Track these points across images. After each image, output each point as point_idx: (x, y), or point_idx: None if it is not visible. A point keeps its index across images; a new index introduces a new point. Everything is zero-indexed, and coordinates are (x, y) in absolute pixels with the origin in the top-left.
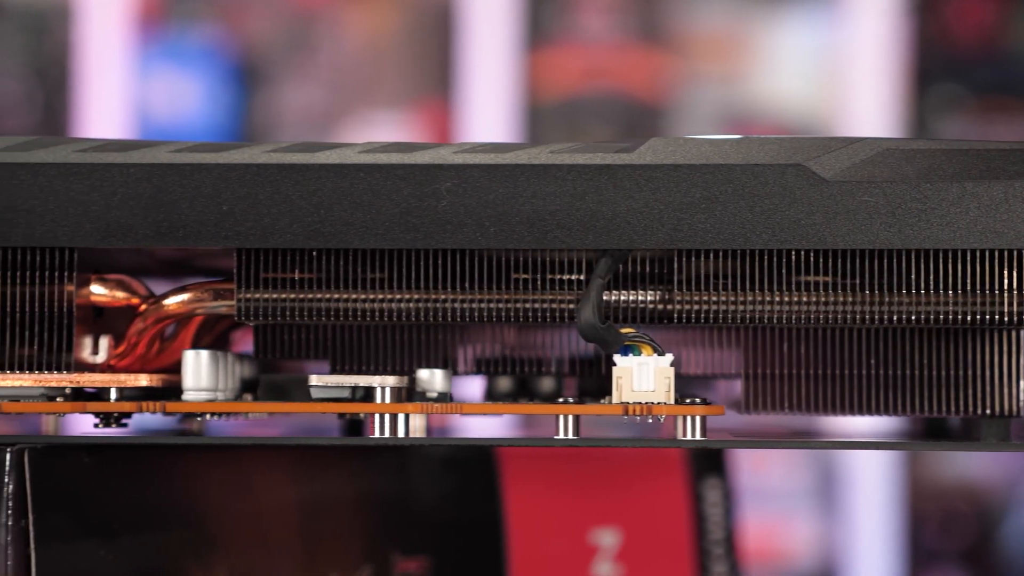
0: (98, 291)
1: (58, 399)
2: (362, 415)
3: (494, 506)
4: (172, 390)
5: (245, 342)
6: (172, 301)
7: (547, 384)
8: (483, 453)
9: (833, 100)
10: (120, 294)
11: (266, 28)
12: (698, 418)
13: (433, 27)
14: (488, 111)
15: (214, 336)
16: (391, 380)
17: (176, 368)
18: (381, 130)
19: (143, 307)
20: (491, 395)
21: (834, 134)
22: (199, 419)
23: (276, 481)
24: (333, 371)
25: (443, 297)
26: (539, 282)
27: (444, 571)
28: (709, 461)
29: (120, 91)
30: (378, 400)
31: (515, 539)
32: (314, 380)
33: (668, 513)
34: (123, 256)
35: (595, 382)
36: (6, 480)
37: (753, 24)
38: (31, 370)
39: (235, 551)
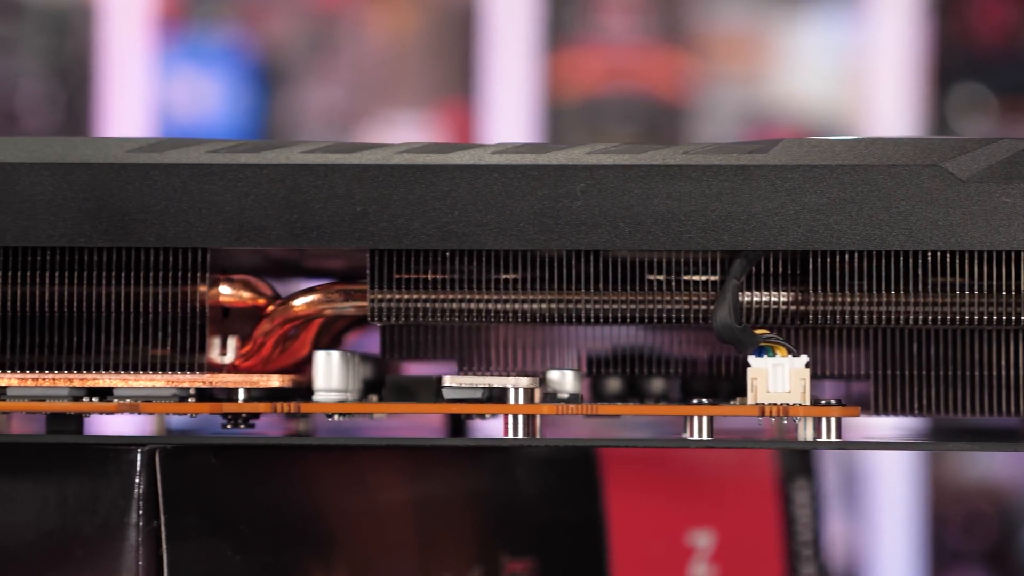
0: (225, 292)
1: (189, 399)
2: (488, 416)
3: (596, 507)
4: (297, 391)
5: (347, 343)
6: (300, 302)
7: (657, 385)
8: (584, 454)
9: (854, 100)
10: (246, 294)
11: (287, 28)
12: (833, 420)
13: (454, 27)
14: (510, 112)
15: (331, 336)
16: (524, 381)
17: (294, 369)
18: (402, 131)
19: (270, 308)
20: (599, 396)
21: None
22: (305, 419)
23: (391, 481)
24: (459, 372)
25: (577, 298)
26: (673, 283)
27: (549, 572)
28: (797, 463)
29: (142, 91)
30: (511, 401)
31: (616, 540)
32: (447, 381)
33: (759, 515)
34: (241, 256)
35: (704, 383)
36: (137, 481)
37: (774, 24)
38: (163, 371)
39: (354, 551)
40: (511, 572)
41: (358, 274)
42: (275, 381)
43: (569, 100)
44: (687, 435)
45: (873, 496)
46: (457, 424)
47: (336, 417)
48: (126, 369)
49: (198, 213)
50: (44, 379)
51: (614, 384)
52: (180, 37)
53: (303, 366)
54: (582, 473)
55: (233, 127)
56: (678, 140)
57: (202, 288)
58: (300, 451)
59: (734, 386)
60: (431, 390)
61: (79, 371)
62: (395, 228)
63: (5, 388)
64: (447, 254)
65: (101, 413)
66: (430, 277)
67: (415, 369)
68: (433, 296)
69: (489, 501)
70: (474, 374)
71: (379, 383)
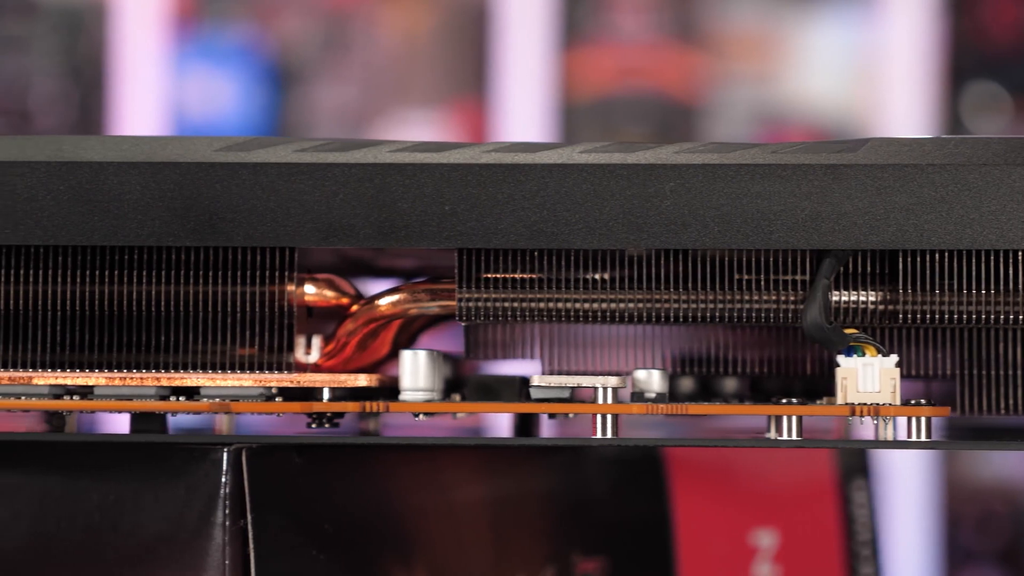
0: (309, 291)
1: (277, 399)
2: (571, 415)
3: (663, 506)
4: (380, 390)
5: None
6: (385, 302)
7: (729, 384)
8: (650, 453)
9: (867, 99)
10: (330, 293)
11: (301, 27)
12: (923, 419)
13: (468, 26)
14: (523, 110)
15: (408, 336)
16: (613, 381)
17: (370, 368)
18: (415, 130)
19: (354, 308)
20: (672, 396)
21: (869, 133)
22: (375, 418)
23: (467, 480)
24: (544, 372)
25: (667, 298)
26: (762, 282)
27: (619, 572)
28: (855, 462)
29: (155, 90)
30: (599, 400)
31: (682, 540)
32: (536, 380)
33: (819, 515)
34: (316, 254)
35: (775, 383)
36: (223, 480)
37: (787, 23)
38: (249, 370)
39: (432, 550)
40: (583, 571)
41: (426, 273)
42: (362, 380)
43: (582, 99)
44: (771, 435)
45: (887, 495)
46: (525, 424)
47: (420, 417)
48: (212, 369)
49: (286, 212)
50: (131, 378)
51: (687, 384)
52: (193, 36)
53: (379, 365)
54: (649, 472)
55: (246, 126)
56: (691, 139)
57: (290, 287)
58: (380, 450)
59: (804, 385)
60: (514, 389)
61: (165, 370)
62: (483, 228)
63: (92, 387)
64: (535, 253)
65: (188, 412)
66: (518, 276)
67: (485, 368)
68: (521, 295)
69: (560, 500)
70: (560, 373)
71: (456, 382)
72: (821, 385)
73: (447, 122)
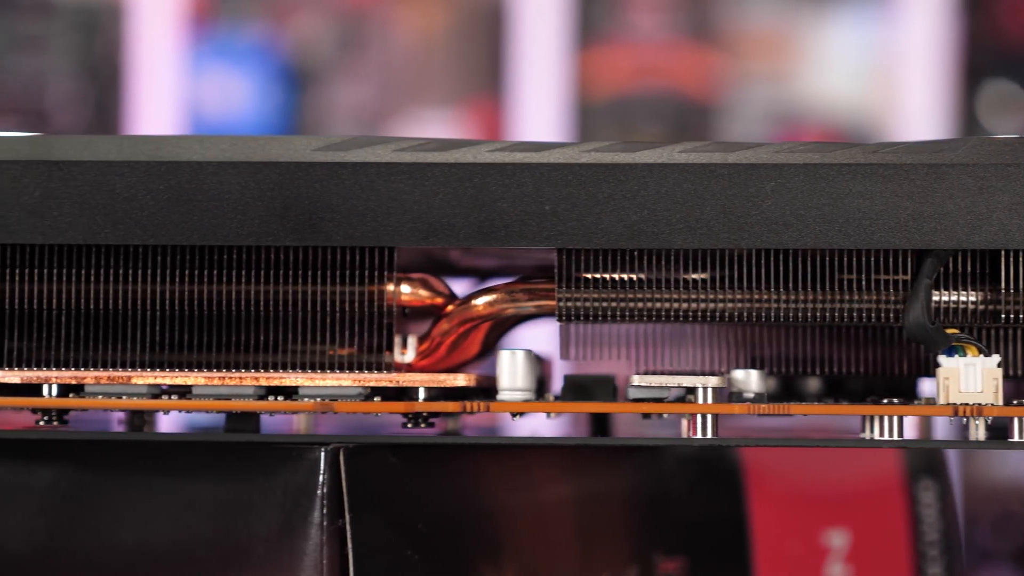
0: (404, 290)
1: (376, 399)
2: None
3: (739, 506)
4: (474, 390)
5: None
6: (481, 302)
7: (812, 384)
8: (727, 453)
9: (884, 98)
10: (424, 293)
11: (316, 26)
12: None
13: (483, 25)
14: (538, 109)
15: (497, 336)
16: (713, 380)
17: (458, 368)
18: (431, 129)
19: (449, 308)
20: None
21: (885, 132)
22: (455, 418)
23: (554, 479)
24: (638, 372)
25: (767, 298)
26: (863, 282)
27: (698, 572)
28: (922, 462)
29: (171, 89)
30: (700, 400)
31: (758, 540)
32: (636, 380)
33: (888, 514)
34: (402, 253)
35: (856, 383)
36: (321, 480)
37: (803, 22)
38: (348, 370)
39: (521, 549)
40: (664, 571)
41: (505, 273)
42: (461, 380)
43: (598, 98)
44: (865, 435)
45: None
46: (602, 423)
47: (517, 417)
48: (310, 368)
49: (385, 212)
50: (230, 378)
51: (769, 384)
52: (209, 35)
53: (465, 365)
54: (726, 472)
55: (262, 125)
56: (706, 138)
57: (389, 287)
58: (470, 450)
59: (888, 385)
60: (608, 389)
61: (263, 370)
62: (584, 227)
63: (191, 387)
64: (635, 253)
65: (286, 412)
66: (618, 276)
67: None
68: (621, 295)
69: (641, 500)
70: (657, 373)
71: (541, 382)
72: (904, 385)
73: (463, 121)
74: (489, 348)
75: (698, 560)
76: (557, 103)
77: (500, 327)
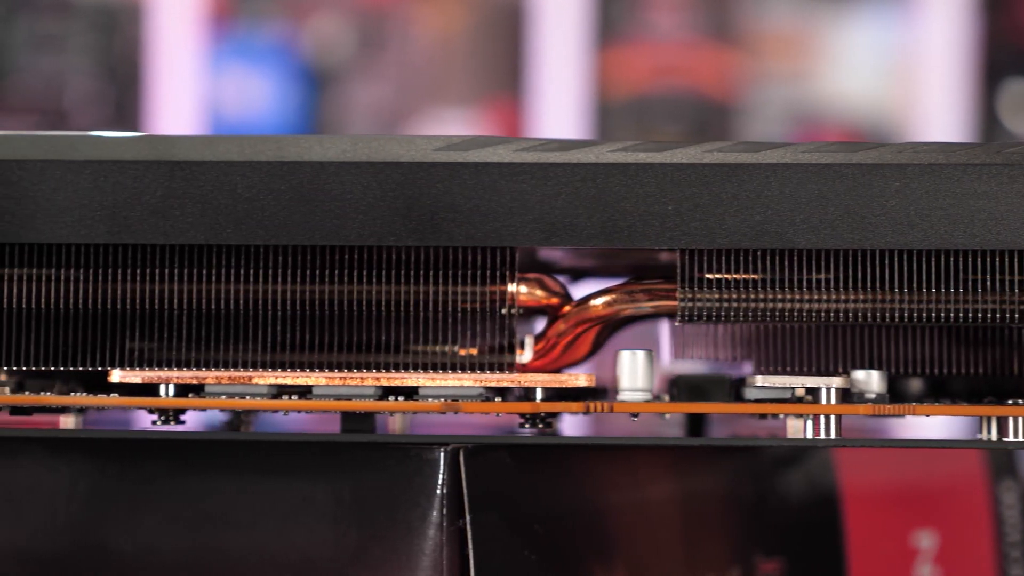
0: (521, 290)
1: (496, 399)
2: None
3: (834, 507)
4: (590, 391)
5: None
6: (599, 302)
7: (915, 385)
8: (822, 454)
9: (903, 98)
10: (540, 293)
11: (336, 26)
12: None
13: (503, 25)
14: (558, 109)
15: (605, 337)
16: (836, 381)
17: (565, 369)
18: (451, 128)
19: (565, 308)
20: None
21: (904, 132)
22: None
23: (660, 479)
24: (756, 372)
25: (890, 298)
26: (987, 282)
27: (796, 573)
28: (1004, 463)
29: (190, 88)
30: (823, 401)
31: (852, 541)
32: (759, 380)
33: (973, 515)
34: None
35: (961, 384)
36: (440, 480)
37: (822, 22)
38: (469, 370)
39: (630, 550)
40: (764, 572)
41: (604, 273)
42: (582, 381)
43: (617, 97)
44: (982, 436)
45: None
46: (697, 424)
47: (636, 417)
48: (431, 369)
49: (507, 212)
50: (351, 378)
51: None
52: (228, 35)
53: (574, 366)
54: (820, 472)
55: (282, 124)
56: (726, 138)
57: (510, 287)
58: (582, 450)
59: (992, 385)
60: (723, 389)
61: (384, 370)
62: (707, 228)
63: (311, 387)
64: (758, 253)
65: (406, 412)
66: (740, 277)
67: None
68: (743, 296)
69: (743, 500)
70: (776, 373)
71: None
72: (1009, 385)
73: (482, 121)
74: (597, 349)
75: (795, 561)
76: (577, 103)
77: (609, 328)
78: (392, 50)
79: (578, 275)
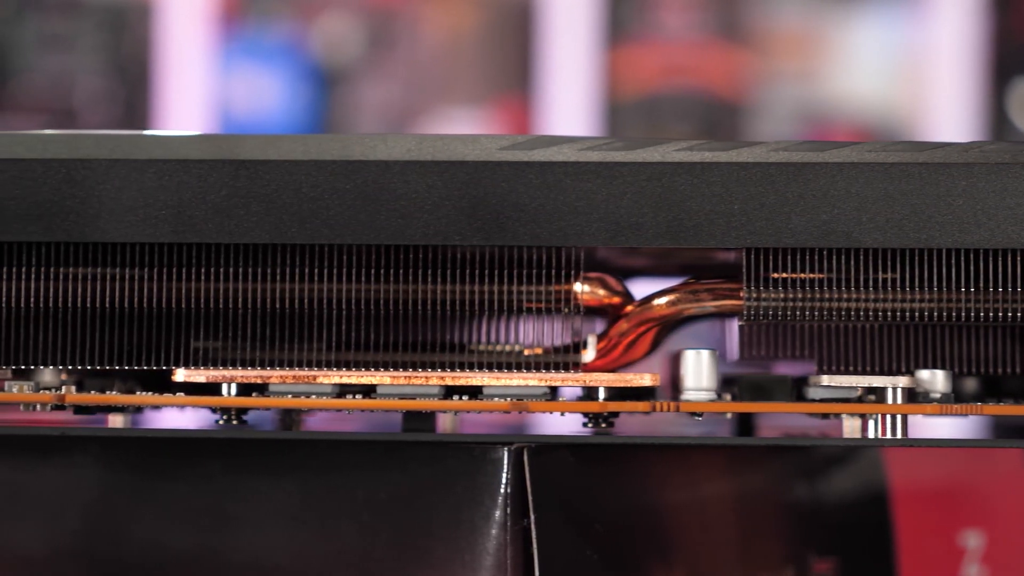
0: (582, 290)
1: (560, 398)
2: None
3: (884, 507)
4: (649, 390)
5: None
6: (661, 302)
7: (969, 385)
8: (872, 454)
9: (912, 97)
10: (601, 292)
11: (345, 25)
12: None
13: (512, 24)
14: (567, 108)
15: (664, 336)
16: (903, 380)
17: (623, 368)
18: (460, 127)
19: (627, 308)
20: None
21: (914, 132)
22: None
23: (716, 478)
24: (819, 372)
25: (955, 297)
26: None
27: (848, 573)
28: None
29: (200, 88)
30: (889, 401)
31: (902, 540)
32: (824, 380)
33: (1019, 515)
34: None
35: (1016, 383)
36: (504, 479)
37: (832, 22)
38: (534, 369)
39: (688, 549)
40: (817, 572)
41: (658, 272)
42: (647, 380)
43: (627, 97)
44: None
45: None
46: (745, 423)
47: (699, 417)
48: (494, 368)
49: (572, 211)
50: (415, 377)
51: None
52: (238, 34)
53: (632, 365)
54: (870, 472)
55: (291, 123)
56: (736, 137)
57: (576, 287)
58: (641, 449)
59: None
60: (786, 389)
61: (449, 370)
62: (773, 227)
63: (375, 386)
64: (823, 252)
65: (470, 412)
66: (806, 276)
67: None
68: (808, 295)
69: (797, 500)
70: (840, 373)
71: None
72: None
73: (491, 120)
74: (655, 349)
75: (848, 561)
76: (586, 102)
77: (668, 328)
78: (401, 49)
79: (627, 274)
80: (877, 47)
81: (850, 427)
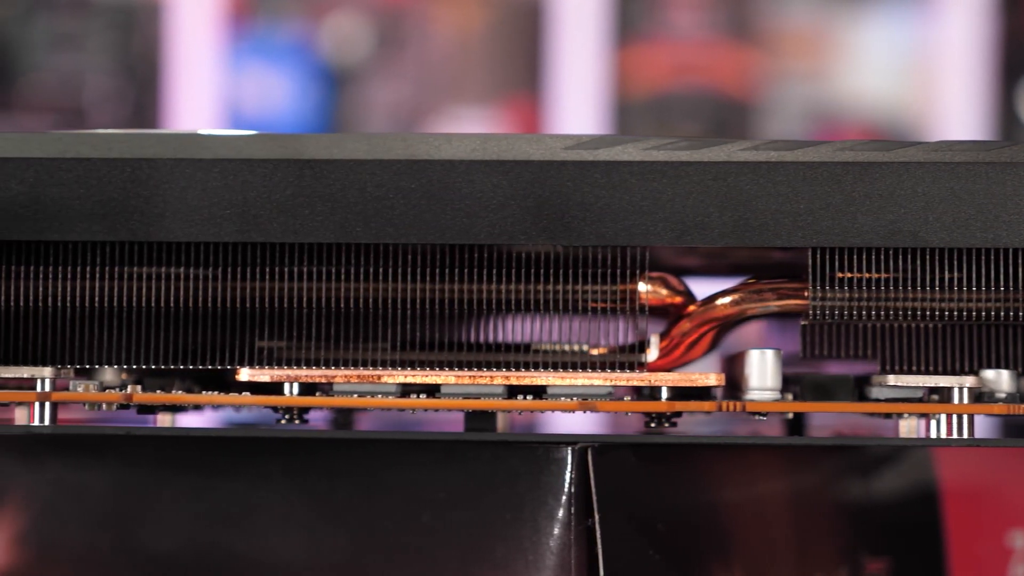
0: (646, 289)
1: (625, 398)
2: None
3: (934, 507)
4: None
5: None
6: (724, 302)
7: None
8: (922, 454)
9: (922, 97)
10: (663, 291)
11: (355, 25)
12: None
13: (522, 23)
14: (577, 107)
15: (721, 336)
16: (968, 380)
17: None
18: (469, 127)
19: (689, 308)
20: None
21: (923, 131)
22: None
23: (774, 478)
24: (882, 372)
25: (1020, 297)
26: None
27: (900, 573)
28: None
29: (209, 87)
30: (955, 401)
31: (952, 540)
32: (891, 380)
33: None
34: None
35: None
36: (568, 479)
37: (841, 21)
38: (600, 369)
39: (747, 550)
40: (870, 572)
41: (710, 271)
42: (712, 380)
43: (637, 96)
44: None
45: None
46: (796, 422)
47: (763, 417)
48: (557, 368)
49: (638, 211)
50: (479, 377)
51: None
52: (247, 33)
53: (690, 365)
54: (921, 472)
55: (301, 123)
56: (745, 136)
57: (641, 286)
58: (700, 448)
59: None
60: (848, 389)
61: (514, 369)
62: (839, 226)
63: (439, 386)
64: (890, 252)
65: (533, 411)
66: (873, 276)
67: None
68: (874, 295)
69: (848, 500)
70: (901, 373)
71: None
72: None
73: (501, 119)
74: (714, 348)
75: (899, 561)
76: (596, 101)
77: (727, 328)
78: (410, 48)
79: (677, 274)
80: (887, 46)
81: (907, 427)
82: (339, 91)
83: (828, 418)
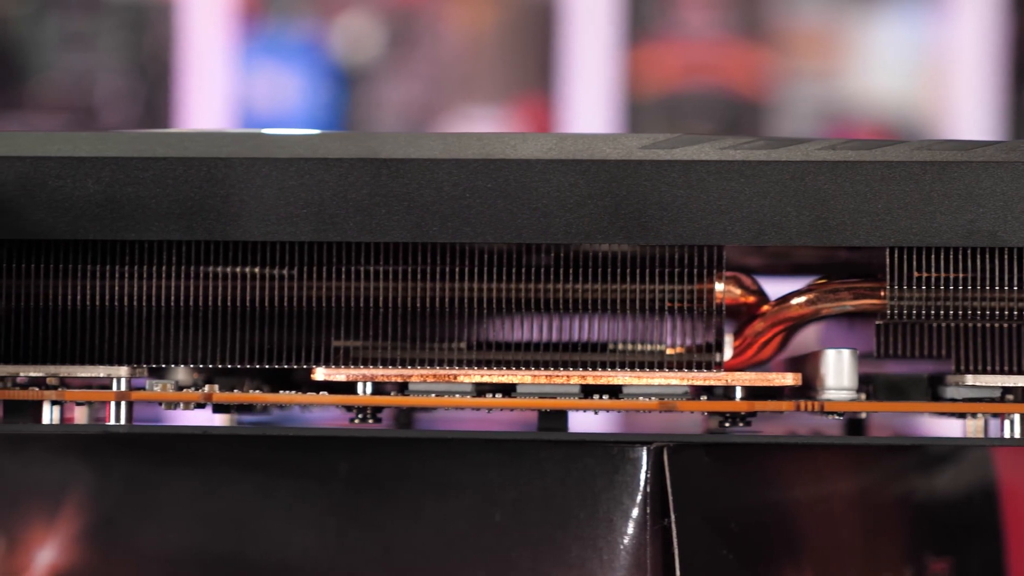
0: (719, 289)
1: (702, 397)
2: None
3: (994, 506)
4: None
5: None
6: (798, 302)
7: None
8: (981, 454)
9: (933, 96)
10: (736, 291)
11: (365, 24)
12: None
13: (533, 22)
14: (588, 106)
15: (791, 336)
16: None
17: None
18: (481, 126)
19: (763, 307)
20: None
21: (934, 131)
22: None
23: (842, 479)
24: (957, 371)
25: None
26: None
27: (961, 573)
28: None
29: (221, 86)
30: None
31: (1011, 539)
32: (968, 379)
33: None
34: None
35: None
36: (644, 479)
37: (853, 20)
38: (677, 368)
39: (817, 549)
40: (934, 572)
41: (770, 271)
42: (789, 379)
43: (648, 95)
44: None
45: None
46: (855, 422)
47: (836, 416)
48: (632, 367)
49: (715, 210)
50: (555, 376)
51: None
52: (259, 32)
53: (762, 365)
54: (981, 471)
55: (312, 122)
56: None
57: (718, 285)
58: (771, 448)
59: None
60: (921, 388)
61: (589, 369)
62: (917, 226)
63: (515, 385)
64: (967, 251)
65: (610, 411)
66: (951, 275)
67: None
68: (951, 294)
69: (911, 500)
70: (975, 373)
71: None
72: None
73: (512, 118)
74: (783, 348)
75: (961, 561)
76: (607, 100)
77: (798, 328)
78: (422, 47)
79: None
80: (898, 45)
81: (973, 427)
82: (350, 90)
83: (884, 417)
